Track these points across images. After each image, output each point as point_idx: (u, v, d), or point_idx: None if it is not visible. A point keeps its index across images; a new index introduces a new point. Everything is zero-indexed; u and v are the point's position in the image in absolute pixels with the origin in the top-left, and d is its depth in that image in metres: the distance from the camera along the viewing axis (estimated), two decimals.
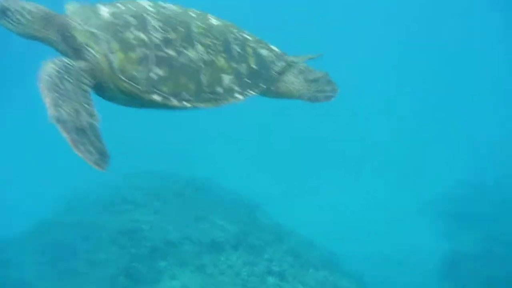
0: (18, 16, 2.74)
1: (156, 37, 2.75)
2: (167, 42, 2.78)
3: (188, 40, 2.85)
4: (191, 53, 2.83)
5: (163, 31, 2.79)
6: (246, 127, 18.56)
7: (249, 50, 3.12)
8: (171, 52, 2.77)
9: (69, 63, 2.59)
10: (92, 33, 2.68)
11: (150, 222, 8.44)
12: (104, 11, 2.77)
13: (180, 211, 8.95)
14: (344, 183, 15.40)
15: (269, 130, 19.44)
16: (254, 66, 3.11)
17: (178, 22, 2.90)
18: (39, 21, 2.76)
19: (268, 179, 15.01)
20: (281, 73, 3.27)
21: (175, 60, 2.78)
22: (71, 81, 2.54)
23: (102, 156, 2.48)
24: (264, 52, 3.22)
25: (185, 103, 2.82)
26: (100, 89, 2.77)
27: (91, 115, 2.51)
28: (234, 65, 3.01)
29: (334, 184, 15.41)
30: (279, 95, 3.34)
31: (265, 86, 3.16)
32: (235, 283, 6.88)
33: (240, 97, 3.03)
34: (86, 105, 2.52)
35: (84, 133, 2.45)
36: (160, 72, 2.72)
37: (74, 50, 2.74)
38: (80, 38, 2.70)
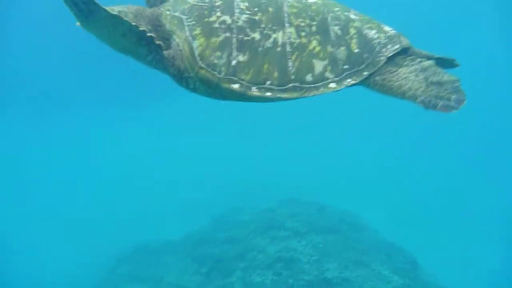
0: None
1: (241, 19, 2.51)
2: (252, 24, 2.51)
3: (277, 21, 2.54)
4: (278, 36, 2.51)
5: (249, 12, 2.54)
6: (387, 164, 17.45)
7: (352, 31, 2.63)
8: (255, 36, 2.50)
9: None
10: (177, 18, 2.57)
11: (308, 254, 8.13)
12: None
13: (338, 249, 8.46)
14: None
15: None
16: (356, 50, 2.59)
17: (267, 1, 2.59)
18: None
19: (421, 227, 13.58)
20: (392, 59, 2.64)
21: (259, 44, 2.49)
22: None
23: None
24: (371, 33, 2.66)
25: (267, 93, 2.49)
26: (182, 79, 2.61)
27: None
28: (330, 48, 2.56)
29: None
30: (386, 89, 2.63)
31: (367, 73, 2.58)
32: None
33: (335, 86, 2.54)
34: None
35: None
36: (242, 58, 2.47)
37: (164, 39, 2.62)
38: (167, 25, 2.61)
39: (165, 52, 2.56)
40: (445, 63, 2.82)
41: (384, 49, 2.63)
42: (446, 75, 2.60)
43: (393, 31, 2.73)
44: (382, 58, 2.62)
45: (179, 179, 16.16)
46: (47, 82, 18.26)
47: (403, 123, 19.95)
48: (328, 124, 21.33)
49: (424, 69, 2.64)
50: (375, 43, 2.64)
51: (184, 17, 2.56)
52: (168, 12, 2.65)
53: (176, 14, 2.60)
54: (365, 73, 2.59)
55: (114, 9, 2.66)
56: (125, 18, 2.37)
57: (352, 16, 2.71)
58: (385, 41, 2.66)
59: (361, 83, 2.64)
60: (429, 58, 2.75)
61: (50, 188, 16.10)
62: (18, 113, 19.32)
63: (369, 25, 2.70)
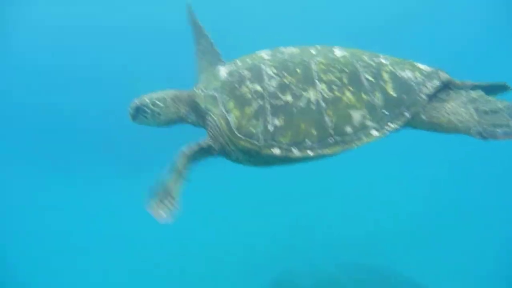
0: (154, 108, 2.86)
1: (271, 85, 2.53)
2: (283, 87, 2.52)
3: (307, 80, 2.53)
4: (310, 94, 2.51)
5: (278, 77, 2.55)
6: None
7: (385, 75, 2.57)
8: (288, 98, 2.50)
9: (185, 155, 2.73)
10: (211, 97, 2.63)
11: None
12: (223, 71, 2.70)
13: None
14: None
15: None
16: (392, 93, 2.53)
17: (295, 63, 2.59)
18: (172, 104, 2.86)
19: None
20: (434, 96, 2.56)
21: (292, 105, 2.48)
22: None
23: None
24: (406, 74, 2.62)
25: (308, 151, 2.47)
26: (225, 152, 2.64)
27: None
28: (365, 97, 2.52)
29: None
30: (435, 126, 2.55)
31: (409, 116, 2.51)
32: None
33: (377, 133, 2.52)
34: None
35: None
36: (277, 122, 2.47)
37: (202, 118, 2.73)
38: (202, 104, 2.68)
39: (208, 134, 2.71)
40: (494, 89, 2.74)
41: (423, 87, 2.63)
42: (498, 102, 2.56)
43: (429, 68, 2.71)
44: (422, 96, 2.62)
45: (227, 239, 15.78)
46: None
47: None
48: (385, 176, 20.43)
49: (472, 100, 2.59)
50: (412, 83, 2.65)
51: (216, 94, 2.67)
52: (201, 92, 2.79)
53: (209, 92, 2.73)
54: (407, 115, 2.57)
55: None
56: (181, 160, 2.75)
57: (383, 61, 2.71)
58: (423, 79, 2.66)
59: (406, 125, 2.60)
60: (475, 87, 2.69)
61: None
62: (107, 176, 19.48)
63: (402, 66, 2.70)
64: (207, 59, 3.12)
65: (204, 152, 2.71)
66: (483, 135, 2.44)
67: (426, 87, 2.63)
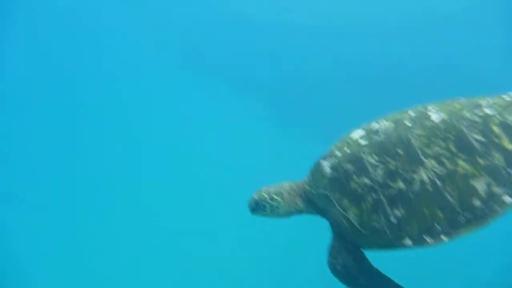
0: (272, 202, 2.94)
1: (378, 175, 2.49)
2: (391, 175, 2.45)
3: (413, 160, 2.43)
4: (422, 175, 2.40)
5: (382, 164, 2.50)
6: None
7: (496, 129, 2.40)
8: (400, 185, 2.43)
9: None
10: (323, 196, 2.67)
11: None
12: (326, 166, 2.72)
13: None
14: None
15: None
16: (511, 147, 2.35)
17: (393, 144, 2.52)
18: (288, 197, 2.93)
19: None
20: None
21: (407, 192, 2.41)
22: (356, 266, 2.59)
23: None
24: None
25: (442, 237, 2.36)
26: (359, 246, 2.69)
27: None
28: (482, 161, 2.34)
29: None
30: None
31: None
32: None
33: (510, 199, 2.30)
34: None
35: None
36: (398, 212, 2.43)
37: (320, 214, 2.81)
38: (318, 203, 2.74)
39: (335, 234, 2.68)
40: None
41: None
42: None
43: None
44: None
45: None
46: None
47: None
48: None
49: None
50: None
51: (328, 193, 2.64)
52: (313, 191, 2.77)
53: (320, 191, 2.71)
54: None
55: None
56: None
57: (487, 111, 2.50)
58: None
59: None
60: None
61: None
62: None
63: (510, 108, 2.50)
64: None
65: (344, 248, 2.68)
66: None
67: None
